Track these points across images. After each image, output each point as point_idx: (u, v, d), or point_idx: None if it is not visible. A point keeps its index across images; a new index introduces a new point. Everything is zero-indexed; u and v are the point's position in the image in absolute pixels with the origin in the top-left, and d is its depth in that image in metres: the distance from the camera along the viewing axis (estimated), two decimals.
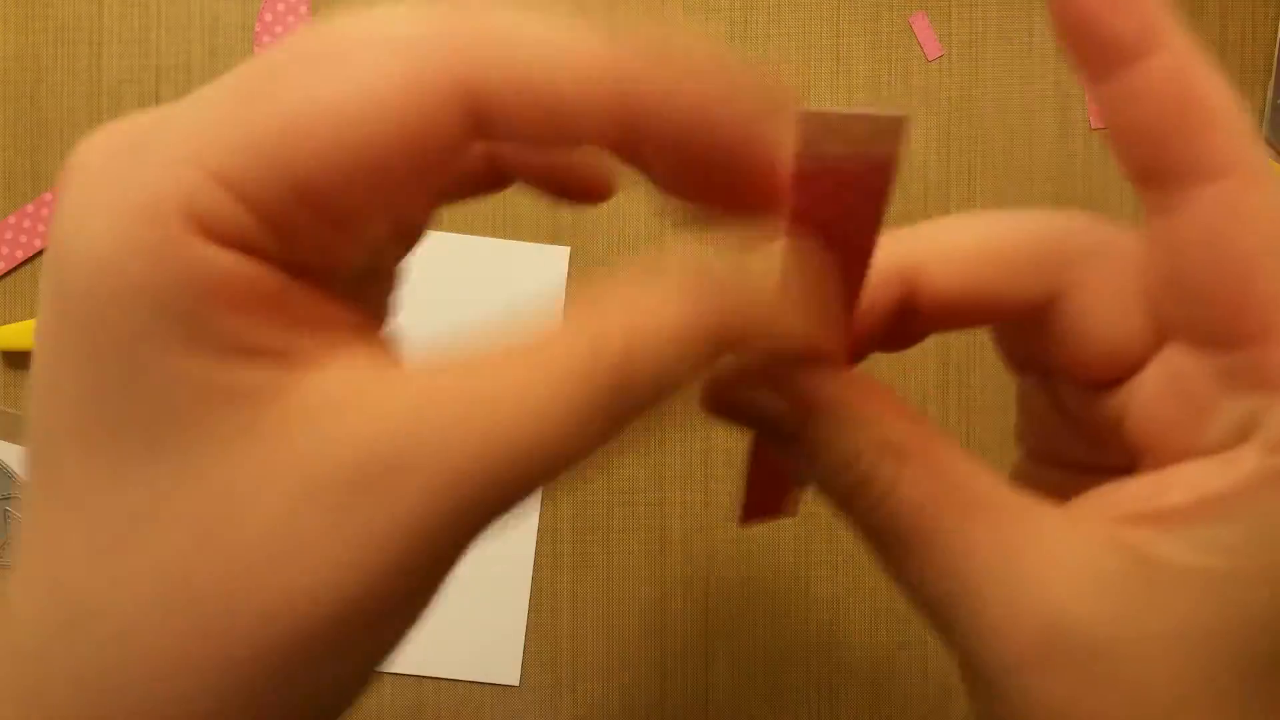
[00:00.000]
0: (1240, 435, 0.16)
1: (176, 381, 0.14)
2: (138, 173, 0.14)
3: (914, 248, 0.19)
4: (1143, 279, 0.18)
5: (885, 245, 0.18)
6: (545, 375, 0.14)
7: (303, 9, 0.49)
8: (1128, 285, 0.18)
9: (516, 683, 0.48)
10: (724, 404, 0.18)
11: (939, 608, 0.17)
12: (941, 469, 0.17)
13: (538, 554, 0.49)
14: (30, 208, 0.49)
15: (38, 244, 0.49)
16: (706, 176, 0.16)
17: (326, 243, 0.15)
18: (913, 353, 0.47)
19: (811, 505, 0.49)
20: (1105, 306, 0.18)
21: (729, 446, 0.49)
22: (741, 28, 0.50)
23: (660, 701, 0.49)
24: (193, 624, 0.14)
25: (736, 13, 0.50)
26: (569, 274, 0.49)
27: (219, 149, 0.14)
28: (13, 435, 0.49)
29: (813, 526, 0.49)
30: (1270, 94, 0.49)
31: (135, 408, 0.14)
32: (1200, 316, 0.17)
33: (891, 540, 0.17)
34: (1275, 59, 0.49)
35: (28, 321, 0.48)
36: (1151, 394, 0.18)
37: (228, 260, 0.14)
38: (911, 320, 0.20)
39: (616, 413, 0.15)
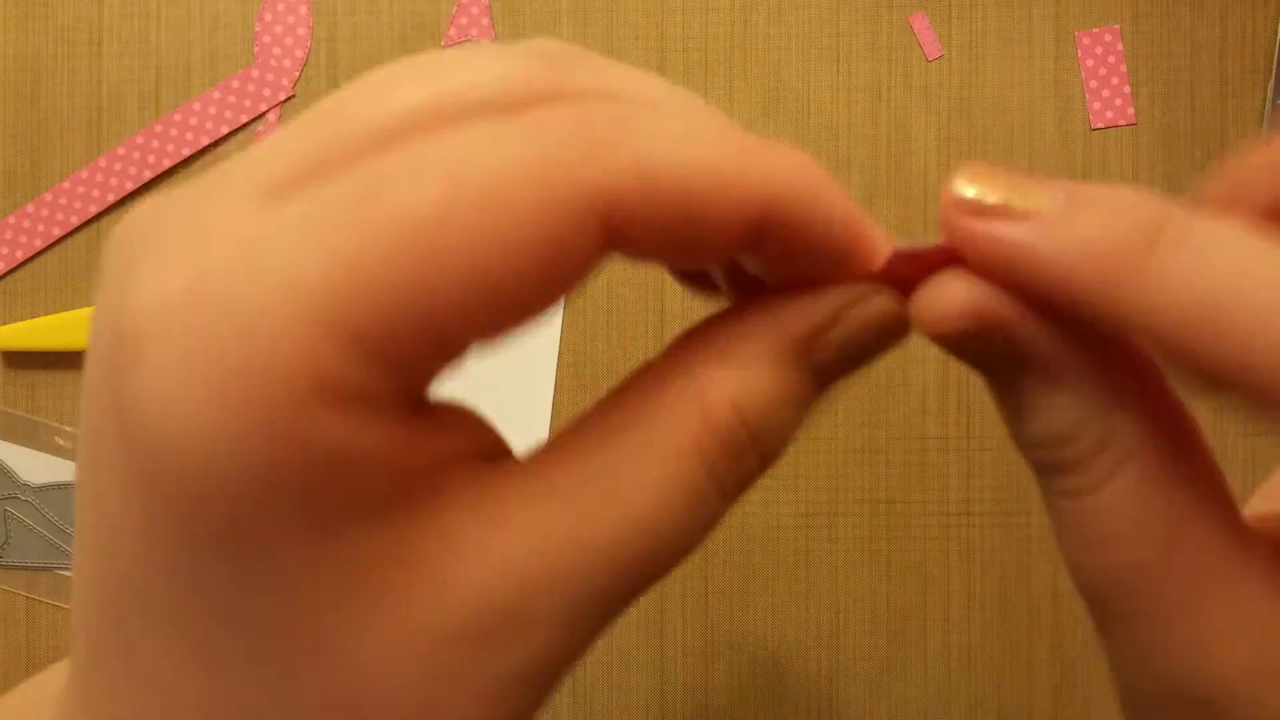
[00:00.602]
0: None
1: (297, 571, 0.12)
2: (251, 324, 0.11)
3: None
4: None
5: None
6: (660, 462, 0.14)
7: (303, 9, 0.49)
8: None
9: None
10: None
11: (1108, 609, 0.16)
12: (1156, 473, 0.16)
13: None
14: (30, 208, 0.49)
15: (38, 244, 0.49)
16: (802, 267, 0.16)
17: (439, 371, 0.13)
18: (913, 352, 0.47)
19: (810, 505, 0.49)
20: None
21: None
22: (741, 28, 0.50)
23: (660, 701, 0.49)
24: None
25: (736, 13, 0.50)
26: None
27: (347, 296, 0.11)
28: (13, 435, 0.49)
29: (813, 526, 0.49)
30: (1270, 94, 0.49)
31: (247, 598, 0.12)
32: None
33: (1078, 525, 0.16)
34: (1275, 59, 0.49)
35: (28, 321, 0.48)
36: None
37: (355, 430, 0.12)
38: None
39: (736, 479, 0.15)
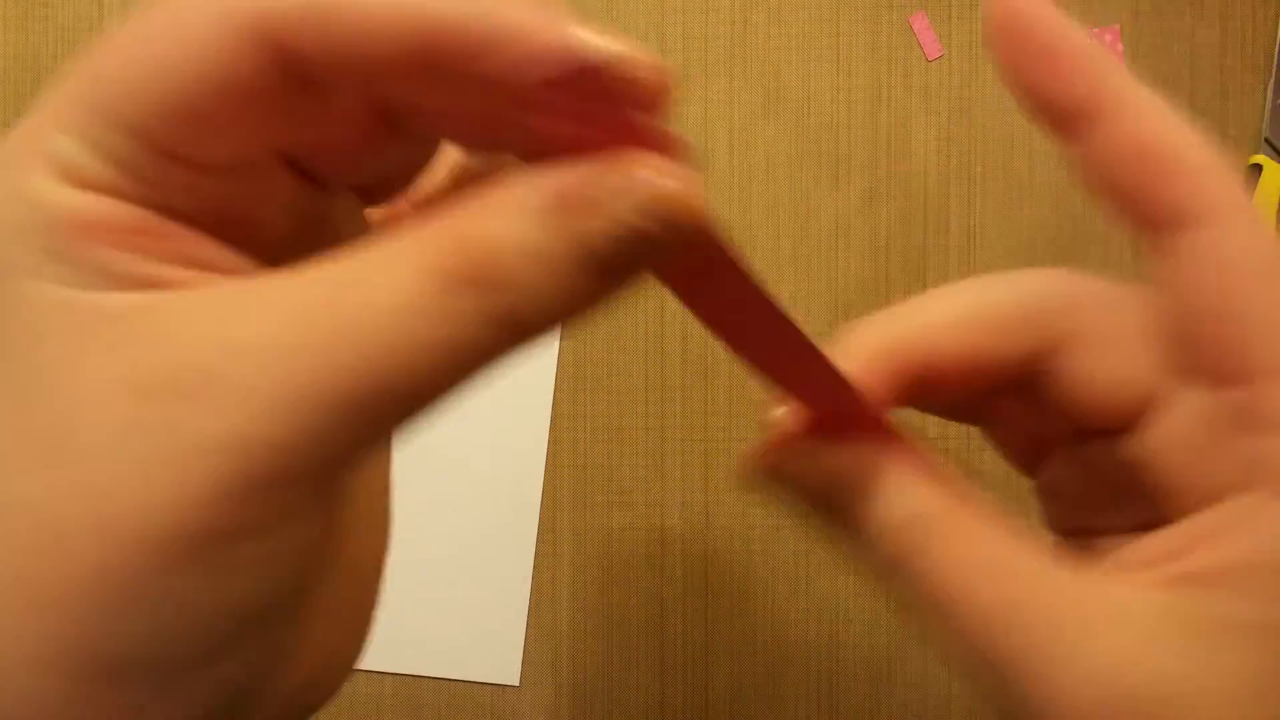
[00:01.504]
0: (1251, 474, 0.17)
1: (38, 304, 0.14)
2: (9, 139, 0.15)
3: (902, 323, 0.20)
4: (1144, 325, 0.19)
5: (874, 325, 0.20)
6: (401, 272, 0.14)
7: None
8: (1126, 330, 0.19)
9: (516, 683, 0.48)
10: (774, 475, 0.20)
11: (988, 678, 0.17)
12: (976, 539, 0.17)
13: (538, 554, 0.49)
14: None
15: None
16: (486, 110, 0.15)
17: (189, 185, 0.15)
18: None
19: None
20: (1105, 351, 0.19)
21: (729, 447, 0.49)
22: (741, 28, 0.50)
23: (660, 701, 0.49)
24: (31, 542, 0.13)
25: (736, 13, 0.50)
26: None
27: (73, 109, 0.14)
28: None
29: (813, 526, 0.49)
30: (1270, 94, 0.49)
31: (3, 343, 0.14)
32: (1203, 358, 0.17)
33: (934, 614, 0.17)
34: (1275, 60, 0.49)
35: None
36: (1167, 437, 0.18)
37: (87, 199, 0.14)
38: (914, 397, 0.20)
39: (480, 315, 0.14)
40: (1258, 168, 0.49)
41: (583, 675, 0.49)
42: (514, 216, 0.14)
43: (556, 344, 0.49)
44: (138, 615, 0.14)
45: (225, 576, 0.14)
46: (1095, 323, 0.19)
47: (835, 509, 0.19)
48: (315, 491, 0.14)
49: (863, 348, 0.19)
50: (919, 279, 0.49)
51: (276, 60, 0.14)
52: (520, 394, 0.49)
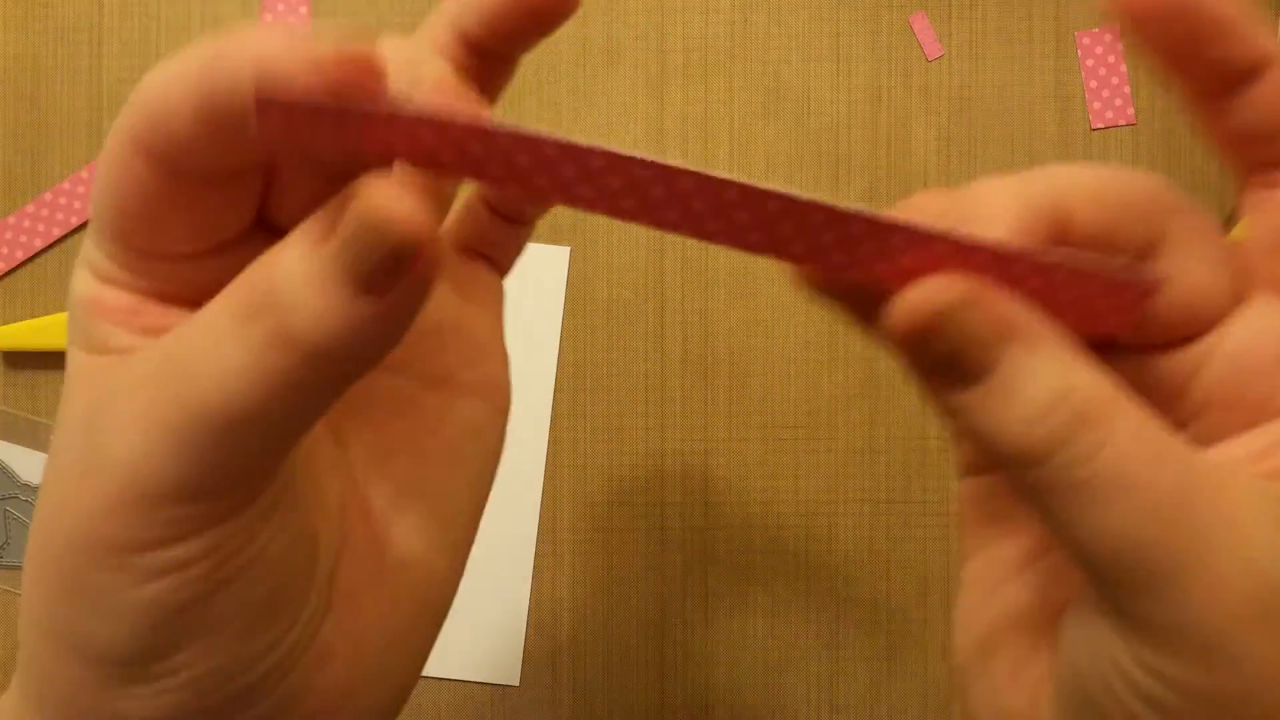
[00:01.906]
0: None
1: (72, 361, 0.19)
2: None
3: (1054, 185, 0.18)
4: (1220, 242, 0.19)
5: (1022, 182, 0.18)
6: (205, 318, 0.17)
7: (303, 9, 0.49)
8: (1210, 244, 0.19)
9: (516, 683, 0.48)
10: (914, 328, 0.17)
11: (1142, 569, 0.16)
12: (1147, 424, 0.17)
13: (538, 554, 0.49)
14: (30, 208, 0.49)
15: (38, 244, 0.49)
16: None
17: (168, 270, 0.19)
18: None
19: (810, 505, 0.49)
20: (1196, 258, 0.19)
21: (729, 447, 0.49)
22: (741, 28, 0.50)
23: (660, 702, 0.49)
24: (40, 523, 0.19)
25: (736, 13, 0.50)
26: (569, 274, 0.49)
27: (93, 226, 0.19)
28: (13, 435, 0.49)
29: (813, 526, 0.49)
30: None
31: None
32: None
33: (1083, 498, 0.16)
34: None
35: (28, 321, 0.48)
36: (1240, 346, 0.18)
37: (100, 289, 0.19)
38: None
39: (259, 333, 0.16)
40: None
41: (583, 675, 0.49)
42: (290, 250, 0.17)
43: (556, 344, 0.49)
44: (83, 607, 0.17)
45: (140, 577, 0.17)
46: (1187, 230, 0.19)
47: (961, 368, 0.17)
48: (205, 509, 0.17)
49: (999, 204, 0.18)
50: None
51: (157, 168, 0.17)
52: (520, 394, 0.49)
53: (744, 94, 0.50)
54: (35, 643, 0.19)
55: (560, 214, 0.49)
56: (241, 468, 0.17)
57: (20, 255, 0.49)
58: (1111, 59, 0.50)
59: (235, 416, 0.16)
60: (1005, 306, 0.17)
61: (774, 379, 0.49)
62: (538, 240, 0.49)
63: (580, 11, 0.51)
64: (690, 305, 0.49)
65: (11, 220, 0.49)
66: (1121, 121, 0.50)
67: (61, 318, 0.48)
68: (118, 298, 0.19)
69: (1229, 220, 0.49)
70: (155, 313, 0.19)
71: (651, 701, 0.49)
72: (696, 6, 0.50)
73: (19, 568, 0.49)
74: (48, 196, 0.49)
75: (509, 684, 0.48)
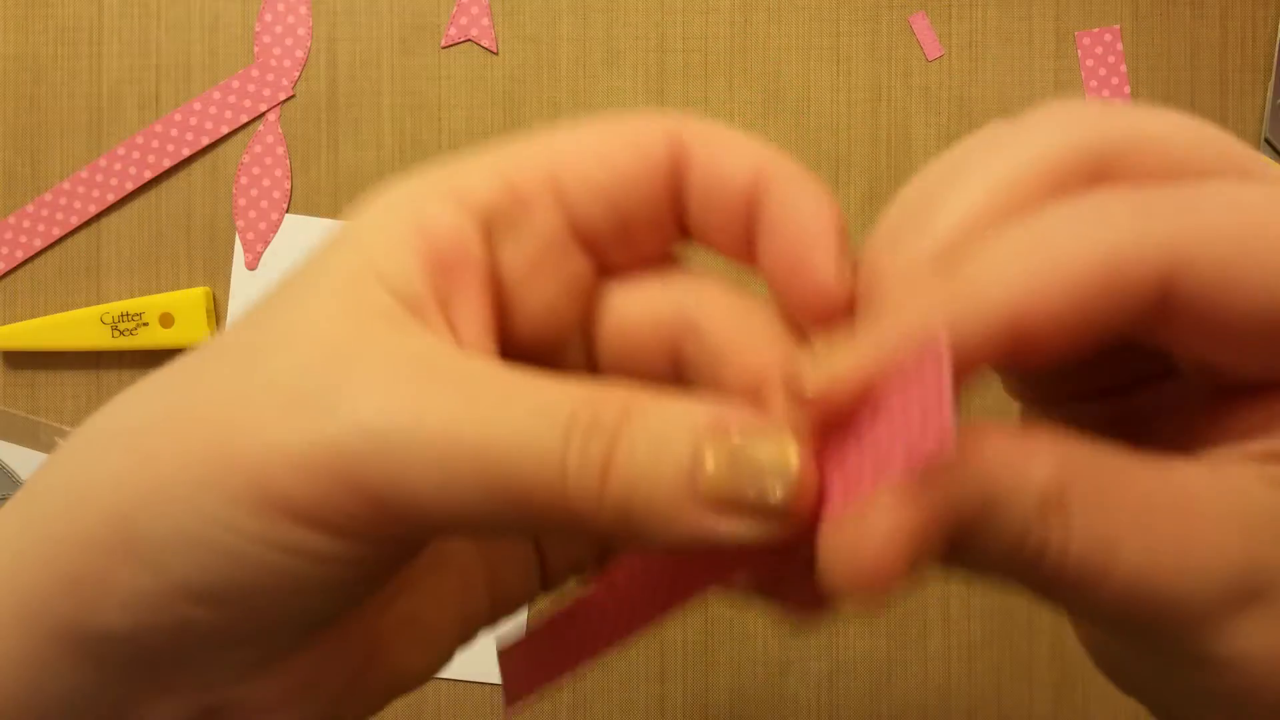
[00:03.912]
0: None
1: (349, 271, 0.18)
2: (450, 163, 0.19)
3: (1002, 294, 0.15)
4: None
5: (963, 292, 0.15)
6: (541, 392, 0.16)
7: (303, 9, 0.49)
8: None
9: None
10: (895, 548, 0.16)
11: (1129, 615, 0.16)
12: (1103, 489, 0.15)
13: None
14: (30, 208, 0.49)
15: (38, 244, 0.49)
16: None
17: (550, 242, 0.19)
18: None
19: None
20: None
21: None
22: (741, 28, 0.50)
23: (660, 702, 0.49)
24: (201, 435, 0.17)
25: (736, 13, 0.50)
26: None
27: (505, 152, 0.19)
28: (13, 435, 0.49)
29: None
30: (1270, 94, 0.49)
31: (309, 271, 0.18)
32: None
33: (1077, 586, 0.16)
34: (1275, 59, 0.49)
35: (27, 321, 0.48)
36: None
37: (454, 218, 0.18)
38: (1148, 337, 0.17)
39: (586, 454, 0.15)
40: None
41: (583, 675, 0.49)
42: (668, 410, 0.16)
43: None
44: (210, 545, 0.16)
45: (277, 555, 0.16)
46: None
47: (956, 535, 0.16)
48: (380, 533, 0.16)
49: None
50: None
51: (675, 161, 0.19)
52: None
53: (744, 94, 0.50)
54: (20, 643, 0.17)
55: None
56: (438, 529, 0.17)
57: (20, 255, 0.49)
58: (1111, 59, 0.50)
59: (499, 485, 0.15)
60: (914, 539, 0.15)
61: None
62: None
63: (580, 11, 0.51)
64: None
65: (11, 220, 0.49)
66: None
67: (62, 318, 0.48)
68: (468, 256, 0.18)
69: None
70: (480, 310, 0.18)
71: (651, 702, 0.49)
72: (696, 6, 0.50)
73: None
74: (47, 197, 0.49)
75: None
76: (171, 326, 0.48)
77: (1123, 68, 0.49)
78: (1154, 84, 0.49)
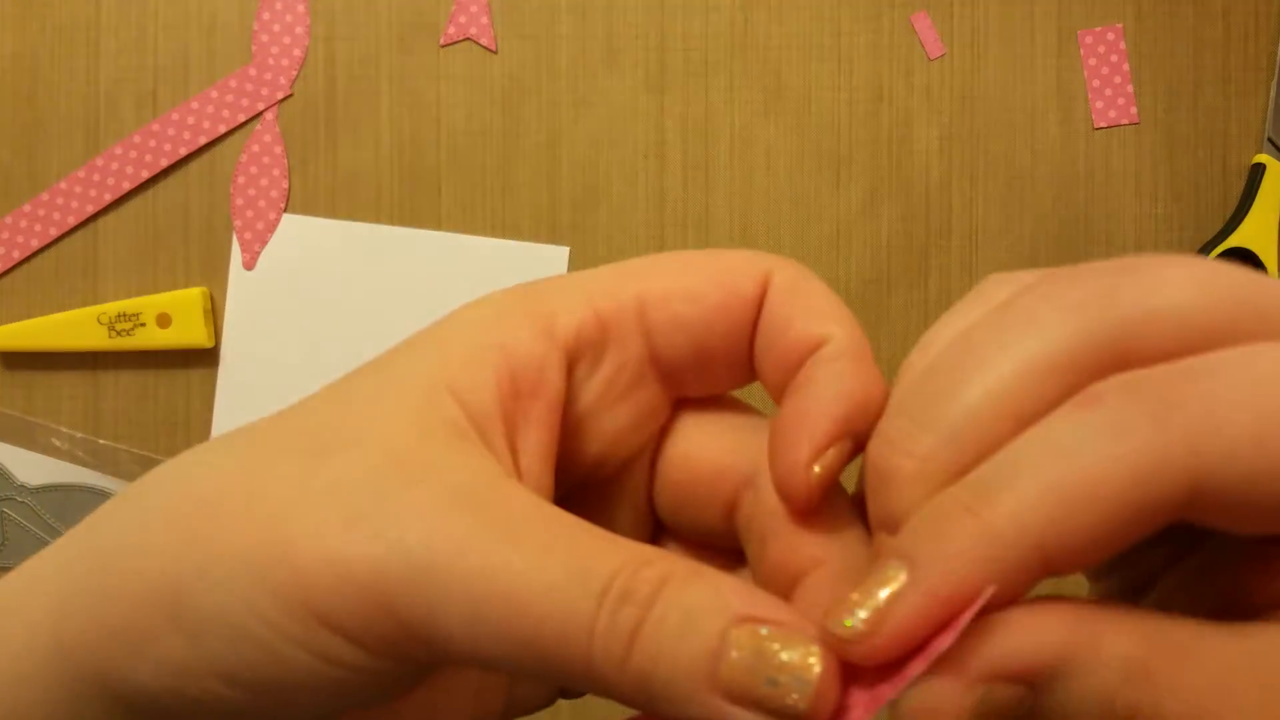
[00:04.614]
0: None
1: (423, 377, 0.18)
2: (544, 282, 0.20)
3: (1029, 525, 0.15)
4: None
5: (986, 530, 0.15)
6: (584, 548, 0.16)
7: (301, 8, 0.49)
8: None
9: None
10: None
11: None
12: (1185, 659, 0.15)
13: None
14: (27, 208, 0.48)
15: (34, 244, 0.49)
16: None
17: (628, 373, 0.20)
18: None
19: None
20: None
21: None
22: (741, 27, 0.49)
23: None
24: (252, 529, 0.17)
25: (736, 12, 0.49)
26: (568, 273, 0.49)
27: (598, 280, 0.19)
28: (9, 436, 0.48)
29: None
30: (1273, 93, 0.49)
31: (381, 369, 0.19)
32: None
33: None
34: (1278, 58, 0.49)
35: (25, 321, 0.48)
36: None
37: (540, 344, 0.19)
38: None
39: (616, 621, 0.15)
40: (1260, 167, 0.48)
41: None
42: (703, 587, 0.16)
43: None
44: (244, 639, 0.16)
45: (307, 656, 0.16)
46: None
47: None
48: (404, 654, 0.16)
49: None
50: (920, 279, 0.49)
51: (759, 302, 0.19)
52: None
53: (744, 94, 0.49)
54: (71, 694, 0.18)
55: (560, 213, 0.49)
56: (475, 663, 0.17)
57: (17, 255, 0.49)
58: (1114, 58, 0.49)
59: (520, 643, 0.16)
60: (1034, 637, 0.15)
61: None
62: (537, 240, 0.49)
63: (580, 11, 0.51)
64: None
65: (8, 220, 0.48)
66: (1124, 121, 0.49)
67: (58, 318, 0.48)
68: (546, 405, 0.18)
69: (1231, 220, 0.49)
70: (541, 449, 0.18)
71: None
72: (696, 6, 0.49)
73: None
74: (44, 197, 0.48)
75: None
76: (169, 327, 0.48)
77: (1125, 66, 0.49)
78: (1156, 83, 0.49)
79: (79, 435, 0.49)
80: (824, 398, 0.18)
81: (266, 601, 0.16)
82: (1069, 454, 0.15)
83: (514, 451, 0.18)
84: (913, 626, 0.15)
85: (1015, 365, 0.16)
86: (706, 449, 0.20)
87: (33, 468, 0.48)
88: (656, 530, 0.22)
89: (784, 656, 0.15)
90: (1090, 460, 0.15)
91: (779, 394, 0.19)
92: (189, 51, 0.49)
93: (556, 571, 0.16)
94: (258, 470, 0.17)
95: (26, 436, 0.48)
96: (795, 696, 0.15)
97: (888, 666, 0.15)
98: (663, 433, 0.21)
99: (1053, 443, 0.15)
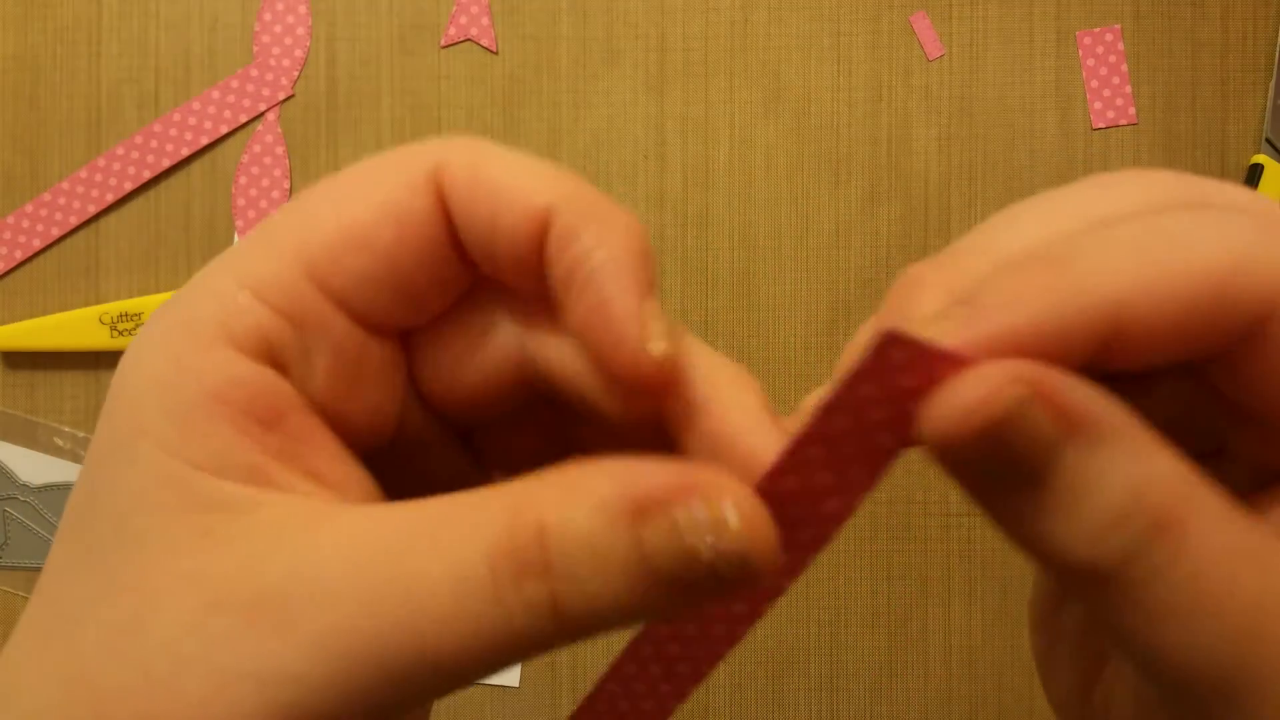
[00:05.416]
0: None
1: (149, 470, 0.15)
2: (187, 296, 0.16)
3: (1112, 283, 0.14)
4: None
5: (1066, 277, 0.14)
6: (448, 549, 0.14)
7: (302, 9, 0.49)
8: None
9: (516, 683, 0.48)
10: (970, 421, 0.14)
11: (1203, 689, 0.14)
12: (1223, 528, 0.14)
13: None
14: (29, 208, 0.49)
15: (36, 244, 0.49)
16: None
17: (345, 350, 0.17)
18: None
19: None
20: None
21: None
22: (741, 27, 0.50)
23: None
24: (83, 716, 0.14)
25: (736, 12, 0.49)
26: None
27: (253, 264, 0.16)
28: (11, 436, 0.49)
29: None
30: (1271, 93, 0.49)
31: (115, 500, 0.15)
32: None
33: (1155, 618, 0.14)
34: (1276, 59, 0.49)
35: (27, 321, 0.48)
36: None
37: (244, 368, 0.15)
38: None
39: (519, 600, 0.14)
40: (1259, 167, 0.48)
41: (582, 676, 0.49)
42: (582, 507, 0.14)
43: None
44: None
45: None
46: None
47: (1015, 474, 0.14)
48: None
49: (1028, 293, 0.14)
50: None
51: (442, 210, 0.16)
52: None
53: (744, 94, 0.50)
54: None
55: None
56: (405, 708, 0.15)
57: (19, 255, 0.49)
58: (1113, 58, 0.49)
59: (446, 666, 0.14)
60: (1069, 395, 0.13)
61: (773, 380, 0.49)
62: None
63: (580, 11, 0.51)
64: (691, 305, 0.49)
65: (10, 220, 0.49)
66: (1123, 121, 0.49)
67: (61, 318, 0.48)
68: (270, 388, 0.16)
69: None
70: (309, 440, 0.16)
71: None
72: (696, 6, 0.49)
73: (18, 568, 0.49)
74: (46, 197, 0.49)
75: (509, 685, 0.48)
76: None
77: (1124, 67, 0.49)
78: (1155, 84, 0.49)
79: (81, 435, 0.49)
80: (609, 275, 0.16)
81: None
82: (1169, 231, 0.14)
83: (312, 473, 0.16)
84: (974, 350, 0.13)
85: (1083, 210, 0.15)
86: (471, 369, 0.18)
87: (35, 467, 0.48)
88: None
89: (699, 515, 0.14)
90: (1192, 239, 0.14)
91: (534, 289, 0.17)
92: (191, 51, 0.49)
93: (442, 596, 0.14)
94: (87, 693, 0.14)
95: (29, 436, 0.48)
96: (728, 553, 0.14)
97: (826, 483, 0.14)
98: (424, 373, 0.18)
99: (1152, 222, 0.14)
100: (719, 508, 0.14)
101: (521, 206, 0.16)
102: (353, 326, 0.17)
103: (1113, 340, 0.14)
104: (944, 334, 0.14)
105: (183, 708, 0.14)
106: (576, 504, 0.14)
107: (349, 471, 0.17)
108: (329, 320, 0.16)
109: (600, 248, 0.16)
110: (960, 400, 0.13)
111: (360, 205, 0.16)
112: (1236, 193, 0.16)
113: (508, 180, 0.16)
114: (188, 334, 0.15)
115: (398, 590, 0.14)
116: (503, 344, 0.18)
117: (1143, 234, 0.14)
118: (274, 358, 0.16)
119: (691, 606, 0.14)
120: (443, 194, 0.16)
